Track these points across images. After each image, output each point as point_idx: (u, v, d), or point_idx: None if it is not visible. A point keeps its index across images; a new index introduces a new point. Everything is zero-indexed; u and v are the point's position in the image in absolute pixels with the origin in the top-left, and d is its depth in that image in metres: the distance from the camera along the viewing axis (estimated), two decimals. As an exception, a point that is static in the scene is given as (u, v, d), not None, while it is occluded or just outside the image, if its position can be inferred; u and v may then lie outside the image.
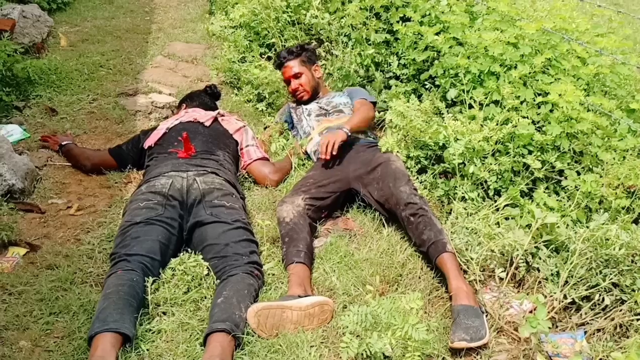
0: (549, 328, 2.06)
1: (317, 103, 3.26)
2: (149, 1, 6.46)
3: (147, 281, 2.05)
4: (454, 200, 2.61)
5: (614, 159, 2.44)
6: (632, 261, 2.11)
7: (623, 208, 2.29)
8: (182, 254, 2.28)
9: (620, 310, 2.06)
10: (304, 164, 3.10)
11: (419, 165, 2.89)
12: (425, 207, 2.44)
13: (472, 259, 2.28)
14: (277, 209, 2.56)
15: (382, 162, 2.68)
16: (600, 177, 2.40)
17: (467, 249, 2.33)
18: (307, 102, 3.30)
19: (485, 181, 2.60)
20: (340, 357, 1.90)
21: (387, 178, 2.58)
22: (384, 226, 2.61)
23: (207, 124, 2.91)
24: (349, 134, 2.80)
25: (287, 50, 3.35)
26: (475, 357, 1.99)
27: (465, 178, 2.62)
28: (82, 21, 5.44)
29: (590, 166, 2.50)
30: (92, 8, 5.92)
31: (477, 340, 1.96)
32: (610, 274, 2.10)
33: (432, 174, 2.81)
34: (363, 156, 2.81)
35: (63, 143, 3.09)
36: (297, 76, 3.25)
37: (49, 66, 3.98)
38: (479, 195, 2.59)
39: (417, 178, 2.84)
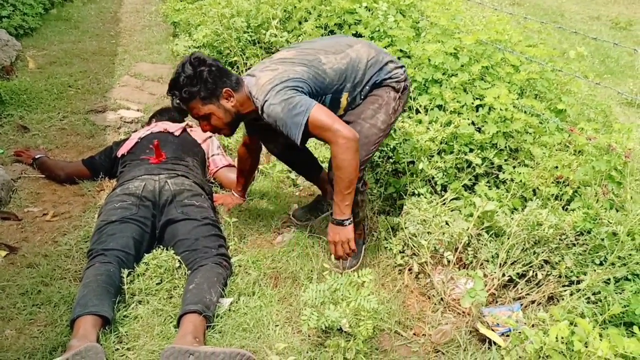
0: (489, 303, 2.32)
1: None
2: (114, 25, 6.66)
3: (123, 273, 2.21)
4: (405, 195, 2.86)
5: (544, 153, 2.73)
6: (560, 240, 2.38)
7: (552, 195, 2.57)
8: (155, 250, 2.44)
9: (550, 283, 2.33)
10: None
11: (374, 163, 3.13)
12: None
13: (422, 245, 2.52)
14: None
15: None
16: (533, 169, 2.69)
17: (418, 236, 2.58)
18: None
19: (433, 177, 2.85)
20: (302, 332, 2.11)
21: None
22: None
23: (177, 133, 3.10)
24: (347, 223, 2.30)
25: (175, 95, 2.33)
26: (422, 327, 2.21)
27: (415, 175, 2.88)
28: (49, 45, 5.59)
29: (524, 160, 2.79)
30: (59, 33, 6.08)
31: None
32: (542, 252, 2.38)
33: (384, 171, 3.05)
34: None
35: (36, 156, 3.23)
36: (205, 117, 2.37)
37: (19, 87, 4.13)
38: (427, 190, 2.85)
39: (373, 171, 3.08)
